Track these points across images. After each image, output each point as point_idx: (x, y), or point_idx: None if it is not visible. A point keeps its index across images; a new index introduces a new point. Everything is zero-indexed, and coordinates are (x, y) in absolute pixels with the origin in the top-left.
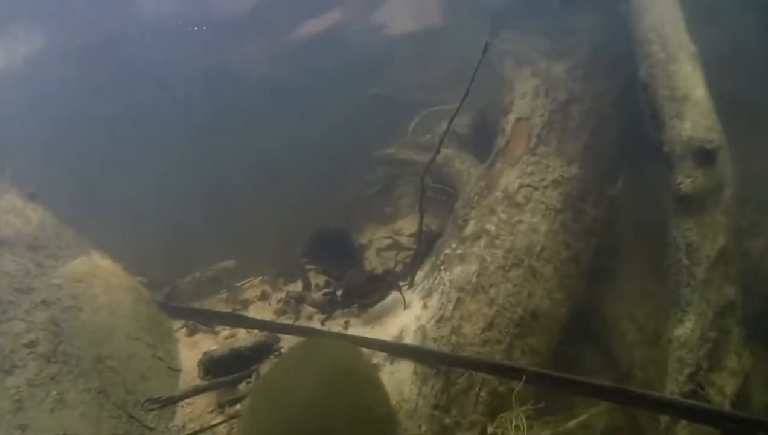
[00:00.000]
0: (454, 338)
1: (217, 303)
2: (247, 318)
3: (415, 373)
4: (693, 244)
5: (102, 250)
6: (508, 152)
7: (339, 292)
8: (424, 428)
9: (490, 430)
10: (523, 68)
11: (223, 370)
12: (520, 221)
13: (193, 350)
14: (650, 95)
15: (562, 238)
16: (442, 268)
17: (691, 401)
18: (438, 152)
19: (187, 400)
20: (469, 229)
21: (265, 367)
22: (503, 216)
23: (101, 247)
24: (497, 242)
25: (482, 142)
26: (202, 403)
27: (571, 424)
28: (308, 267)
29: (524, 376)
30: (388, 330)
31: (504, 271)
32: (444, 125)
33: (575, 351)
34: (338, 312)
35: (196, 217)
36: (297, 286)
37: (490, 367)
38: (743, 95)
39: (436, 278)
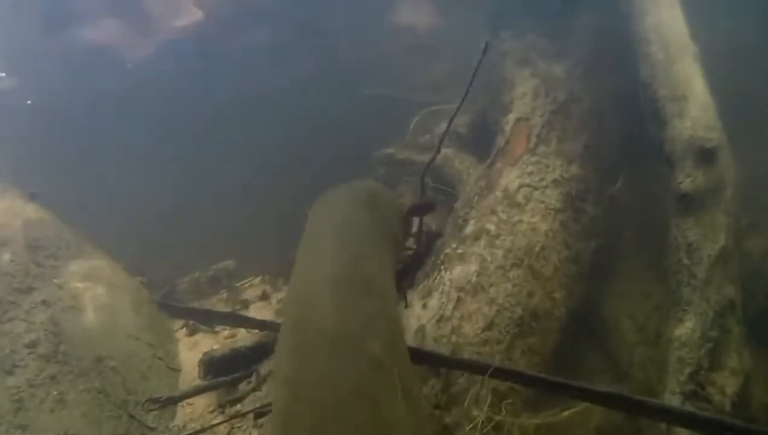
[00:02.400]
0: (454, 338)
1: (217, 303)
2: (247, 318)
3: None
4: (693, 244)
5: (102, 250)
6: (508, 152)
7: None
8: None
9: (474, 412)
10: (523, 68)
11: (223, 370)
12: (520, 221)
13: (193, 350)
14: (650, 95)
15: (561, 238)
16: (441, 267)
17: (689, 410)
18: (438, 151)
19: (187, 400)
20: (469, 228)
21: (265, 367)
22: (503, 216)
23: (101, 246)
24: (497, 242)
25: (482, 142)
26: (202, 403)
27: (565, 414)
28: None
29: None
30: None
31: (504, 270)
32: (443, 125)
33: (575, 351)
34: None
35: (194, 216)
36: None
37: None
38: (744, 95)
39: (435, 278)
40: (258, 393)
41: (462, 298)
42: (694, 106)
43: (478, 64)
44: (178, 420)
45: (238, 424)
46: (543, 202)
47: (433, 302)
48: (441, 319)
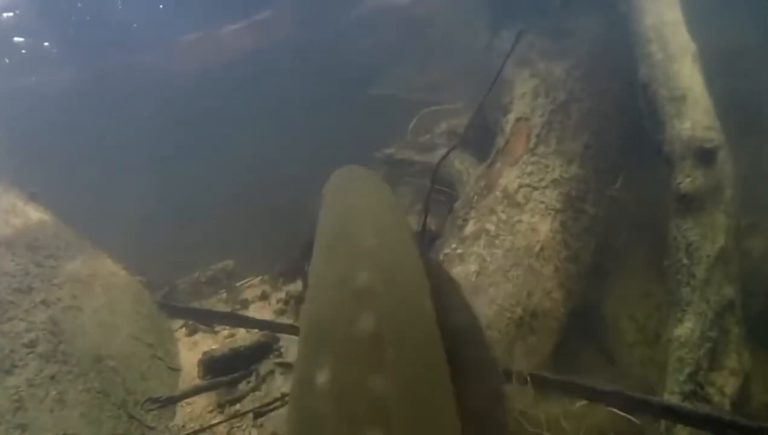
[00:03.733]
0: None
1: (217, 303)
2: (247, 318)
3: None
4: (693, 244)
5: (102, 250)
6: (508, 152)
7: None
8: None
9: None
10: (522, 68)
11: (222, 370)
12: (520, 221)
13: (192, 350)
14: (650, 95)
15: (561, 238)
16: None
17: (689, 407)
18: (455, 147)
19: (186, 400)
20: (469, 229)
21: (264, 367)
22: (503, 216)
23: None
24: (497, 242)
25: (482, 142)
26: (201, 402)
27: (578, 406)
28: (308, 267)
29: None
30: None
31: (503, 271)
32: (443, 125)
33: (575, 351)
34: None
35: (196, 217)
36: (297, 286)
37: None
38: (743, 95)
39: None
40: (257, 393)
41: None
42: (694, 107)
43: (499, 70)
44: (178, 420)
45: (238, 424)
46: (543, 202)
47: None
48: None
